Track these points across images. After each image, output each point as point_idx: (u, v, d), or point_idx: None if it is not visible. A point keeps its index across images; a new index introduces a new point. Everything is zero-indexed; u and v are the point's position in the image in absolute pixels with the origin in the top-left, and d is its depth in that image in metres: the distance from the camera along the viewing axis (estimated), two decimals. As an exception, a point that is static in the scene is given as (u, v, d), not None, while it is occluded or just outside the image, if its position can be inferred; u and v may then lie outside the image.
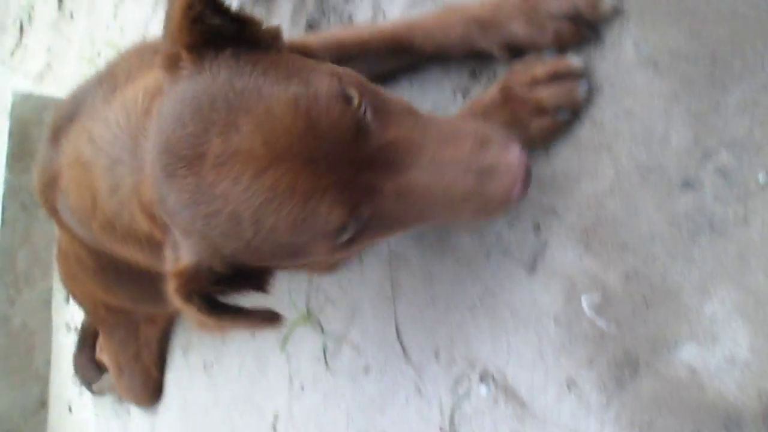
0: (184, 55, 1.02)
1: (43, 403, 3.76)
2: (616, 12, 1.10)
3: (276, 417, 1.85)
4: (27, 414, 3.72)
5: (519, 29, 1.17)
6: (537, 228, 1.19)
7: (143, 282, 1.65)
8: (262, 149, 0.91)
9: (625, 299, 1.08)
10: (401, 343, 1.44)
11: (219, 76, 0.98)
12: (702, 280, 1.00)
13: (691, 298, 1.01)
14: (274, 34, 1.10)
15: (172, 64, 1.04)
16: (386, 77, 1.46)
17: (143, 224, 1.20)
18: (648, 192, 1.06)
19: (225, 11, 1.04)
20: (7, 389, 3.65)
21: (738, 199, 0.97)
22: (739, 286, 0.97)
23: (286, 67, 0.99)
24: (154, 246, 1.23)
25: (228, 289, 1.10)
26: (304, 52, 1.43)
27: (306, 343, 1.74)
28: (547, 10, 1.13)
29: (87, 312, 2.42)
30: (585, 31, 1.13)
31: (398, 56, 1.39)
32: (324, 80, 0.96)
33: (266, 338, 1.90)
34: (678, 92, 1.03)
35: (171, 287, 1.04)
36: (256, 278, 1.14)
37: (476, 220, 1.11)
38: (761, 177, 0.95)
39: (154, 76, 1.24)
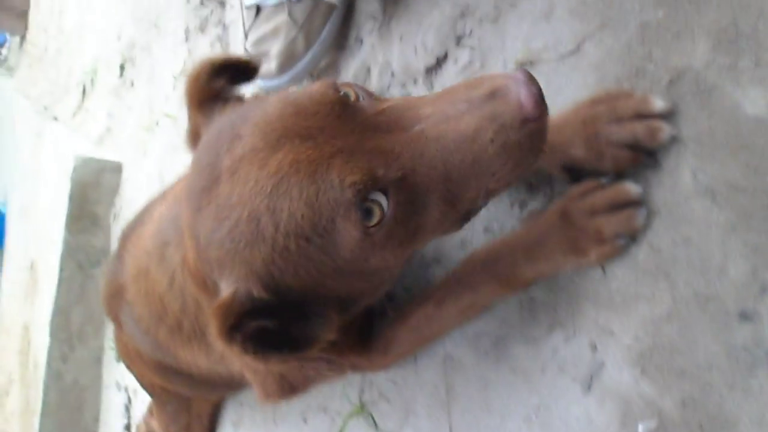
0: (198, 118, 1.11)
1: (90, 459, 3.75)
2: (674, 140, 1.12)
3: None
4: (73, 469, 3.72)
5: (578, 153, 1.19)
6: (593, 347, 1.20)
7: (202, 378, 1.68)
8: (262, 143, 0.93)
9: (682, 427, 1.07)
10: (455, 447, 1.44)
11: (225, 114, 1.05)
12: (760, 413, 1.00)
13: (749, 430, 1.01)
14: None
15: (195, 138, 1.12)
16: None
17: (203, 303, 1.18)
18: (705, 321, 1.07)
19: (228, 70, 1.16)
20: (56, 444, 3.67)
21: (797, 337, 0.98)
22: (799, 425, 0.97)
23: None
24: None
25: (278, 325, 1.03)
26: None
27: (358, 435, 1.74)
28: (607, 138, 1.15)
29: (141, 384, 2.43)
30: (643, 157, 1.14)
31: None
32: (316, 83, 1.00)
33: (318, 428, 1.90)
34: (736, 224, 1.05)
35: (213, 329, 0.99)
36: (307, 315, 1.07)
37: (517, 169, 0.97)
38: (821, 319, 0.95)
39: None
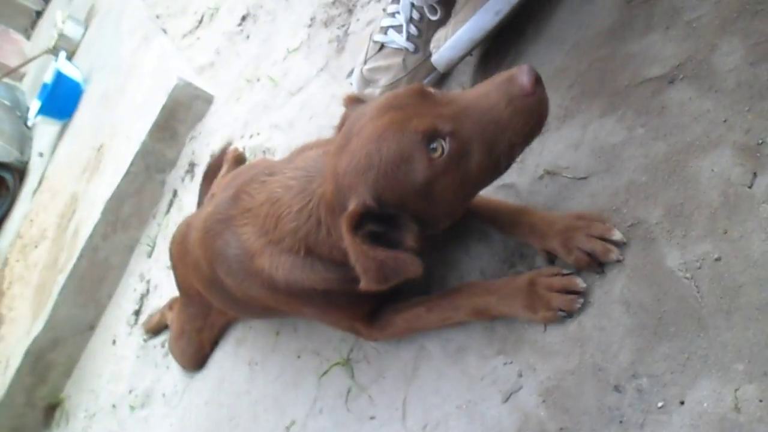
0: (348, 111, 1.78)
1: (92, 327, 4.23)
2: (619, 263, 1.63)
3: (293, 423, 2.29)
4: (76, 332, 4.21)
5: (556, 246, 1.70)
6: (520, 374, 1.70)
7: (245, 301, 2.18)
8: (376, 113, 1.54)
9: (553, 443, 1.59)
10: (404, 409, 1.94)
11: (360, 107, 1.70)
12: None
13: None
14: None
15: (343, 124, 1.79)
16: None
17: (323, 230, 1.76)
18: (593, 382, 1.54)
19: None
20: (71, 305, 4.18)
21: None
22: None
23: None
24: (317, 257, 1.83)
25: (383, 229, 1.55)
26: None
27: (337, 380, 2.21)
28: (578, 244, 1.65)
29: (177, 283, 2.86)
30: (595, 266, 1.65)
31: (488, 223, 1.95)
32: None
33: (308, 365, 2.36)
34: (631, 328, 1.56)
35: (343, 229, 1.52)
36: (399, 226, 1.57)
37: (527, 127, 1.51)
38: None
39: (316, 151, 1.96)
